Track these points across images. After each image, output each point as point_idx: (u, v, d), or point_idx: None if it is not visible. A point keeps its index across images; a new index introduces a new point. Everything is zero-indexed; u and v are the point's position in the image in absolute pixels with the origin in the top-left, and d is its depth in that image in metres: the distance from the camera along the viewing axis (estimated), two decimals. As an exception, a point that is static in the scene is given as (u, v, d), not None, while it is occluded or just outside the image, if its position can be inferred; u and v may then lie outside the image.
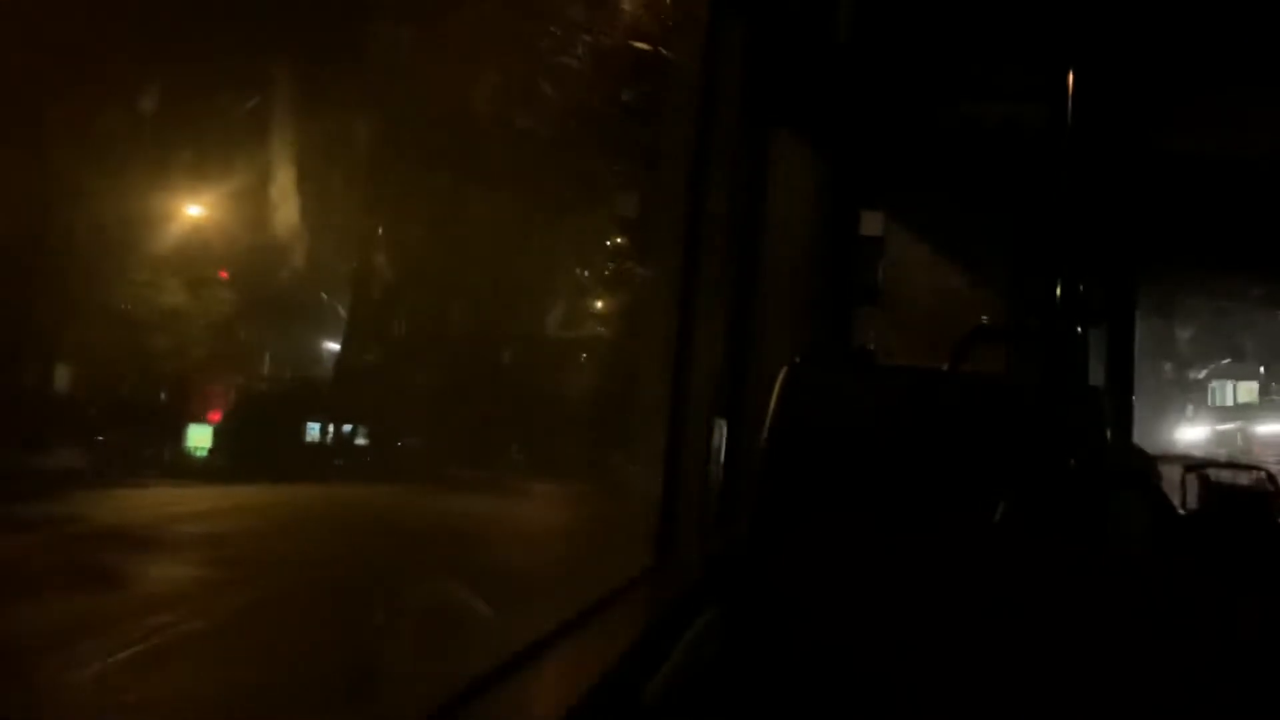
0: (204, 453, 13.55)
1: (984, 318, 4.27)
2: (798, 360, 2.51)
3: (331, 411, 16.04)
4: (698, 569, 2.18)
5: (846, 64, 3.65)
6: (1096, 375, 4.97)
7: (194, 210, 11.36)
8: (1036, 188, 4.12)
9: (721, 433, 2.69)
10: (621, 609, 1.60)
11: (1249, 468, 4.48)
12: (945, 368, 2.98)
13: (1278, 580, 1.71)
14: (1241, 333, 25.31)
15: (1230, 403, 27.89)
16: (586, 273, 16.72)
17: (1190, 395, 28.31)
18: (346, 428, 16.35)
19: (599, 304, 16.84)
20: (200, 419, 13.56)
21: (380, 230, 16.00)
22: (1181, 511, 2.98)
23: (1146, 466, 3.84)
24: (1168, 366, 26.35)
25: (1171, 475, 3.87)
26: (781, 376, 2.37)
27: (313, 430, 16.12)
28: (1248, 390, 27.68)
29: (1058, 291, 3.99)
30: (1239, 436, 26.47)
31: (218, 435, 13.75)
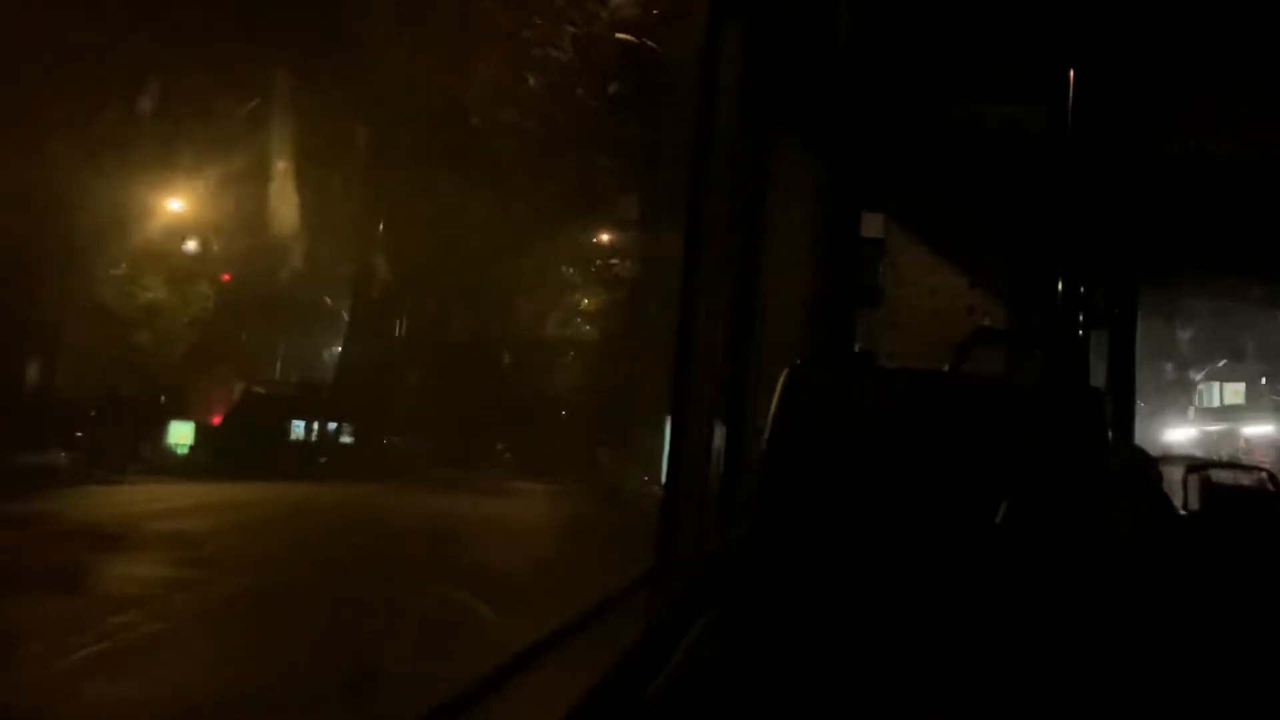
0: (185, 449, 13.48)
1: (985, 320, 4.27)
2: (799, 362, 2.51)
3: (318, 410, 15.98)
4: (699, 570, 2.18)
5: (846, 64, 3.64)
6: (1097, 376, 4.97)
7: (175, 205, 11.29)
8: (1037, 189, 4.12)
9: (722, 434, 2.69)
10: (602, 628, 1.58)
11: (1251, 468, 4.48)
12: (946, 369, 2.99)
13: (1278, 581, 1.71)
14: (1242, 333, 25.31)
15: (1217, 404, 27.88)
16: (572, 270, 16.68)
17: (1192, 396, 28.35)
18: (331, 425, 16.28)
19: (590, 304, 16.81)
20: (186, 417, 13.45)
21: (368, 226, 15.94)
22: (1182, 512, 2.98)
23: (1147, 467, 3.84)
24: (1168, 367, 26.37)
25: (1172, 476, 3.87)
26: (783, 378, 2.37)
27: (298, 428, 16.03)
28: (1234, 392, 27.67)
29: (1059, 293, 3.98)
30: (1240, 438, 26.49)
31: (199, 432, 13.65)
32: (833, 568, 1.55)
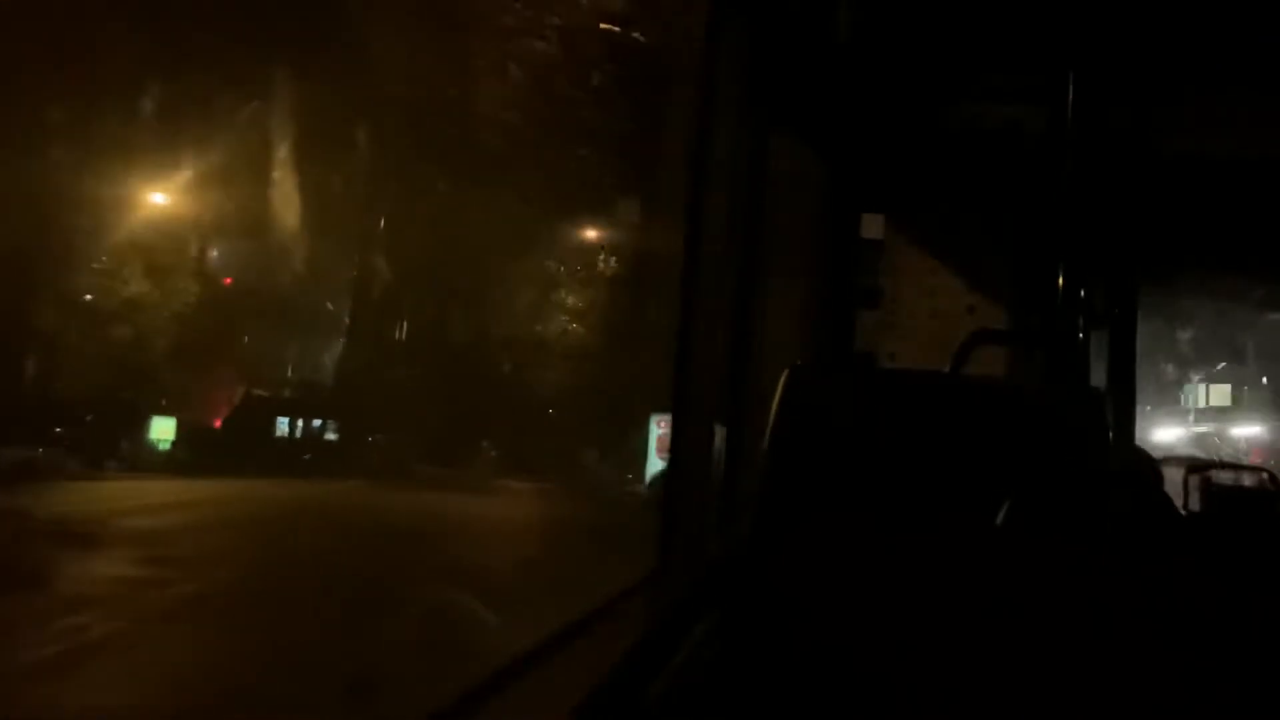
0: (167, 445, 13.33)
1: (985, 321, 4.27)
2: (799, 363, 2.51)
3: (317, 411, 15.93)
4: (700, 571, 2.18)
5: (847, 65, 3.64)
6: (1097, 376, 4.96)
7: (159, 199, 11.22)
8: (1037, 189, 4.12)
9: (722, 435, 2.69)
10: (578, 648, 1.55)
11: (1251, 469, 4.48)
12: (946, 370, 2.98)
13: (1278, 581, 1.70)
14: (1241, 334, 25.30)
15: (1202, 405, 27.82)
16: (562, 268, 16.66)
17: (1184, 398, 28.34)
18: (316, 422, 16.20)
19: (576, 303, 16.76)
20: (170, 413, 13.31)
21: (356, 223, 15.92)
22: (1183, 513, 2.98)
23: (1148, 468, 3.84)
24: (1169, 368, 26.36)
25: (1173, 477, 3.87)
26: (783, 380, 2.37)
27: (282, 425, 15.92)
28: (1219, 393, 27.61)
29: (1059, 293, 3.98)
30: (1239, 439, 26.51)
31: (191, 431, 13.50)
32: (833, 568, 1.55)
